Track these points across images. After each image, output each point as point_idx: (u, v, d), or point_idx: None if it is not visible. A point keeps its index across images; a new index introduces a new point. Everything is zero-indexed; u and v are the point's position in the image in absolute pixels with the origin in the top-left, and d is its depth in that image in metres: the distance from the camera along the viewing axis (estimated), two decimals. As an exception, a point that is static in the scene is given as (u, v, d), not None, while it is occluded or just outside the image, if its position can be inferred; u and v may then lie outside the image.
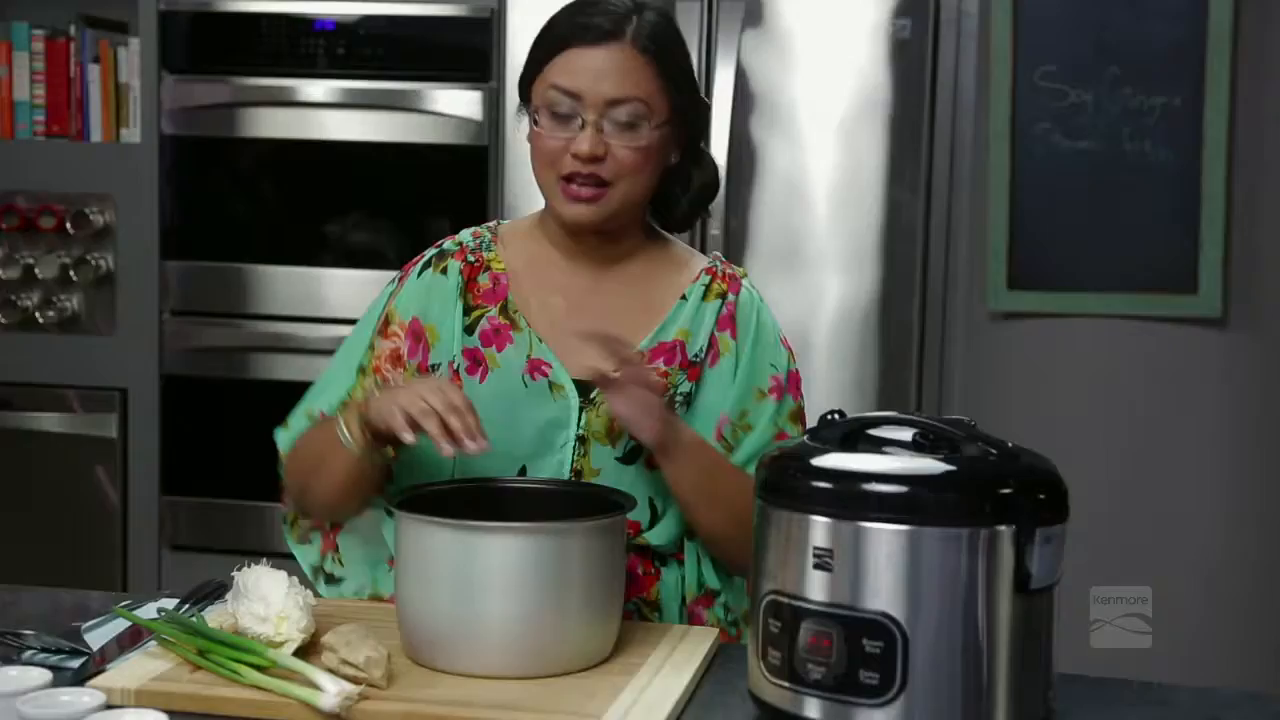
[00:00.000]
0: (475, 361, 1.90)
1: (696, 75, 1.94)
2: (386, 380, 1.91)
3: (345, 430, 1.79)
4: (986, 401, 3.43)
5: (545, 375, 1.88)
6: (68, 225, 4.09)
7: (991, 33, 3.34)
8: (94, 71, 4.15)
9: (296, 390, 2.05)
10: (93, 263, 4.12)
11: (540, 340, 1.90)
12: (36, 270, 4.13)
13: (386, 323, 1.95)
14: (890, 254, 3.74)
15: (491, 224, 2.03)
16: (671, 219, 2.00)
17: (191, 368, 4.13)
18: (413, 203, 4.03)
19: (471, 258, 1.95)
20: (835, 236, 3.75)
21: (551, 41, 1.86)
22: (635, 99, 1.83)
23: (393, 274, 2.04)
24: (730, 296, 1.95)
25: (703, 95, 1.94)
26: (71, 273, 4.12)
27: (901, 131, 3.72)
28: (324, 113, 4.04)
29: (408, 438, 1.70)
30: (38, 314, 4.14)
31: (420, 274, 1.95)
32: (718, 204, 3.69)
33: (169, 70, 4.09)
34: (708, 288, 1.95)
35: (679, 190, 1.96)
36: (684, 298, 1.94)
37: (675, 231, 2.04)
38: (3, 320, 4.14)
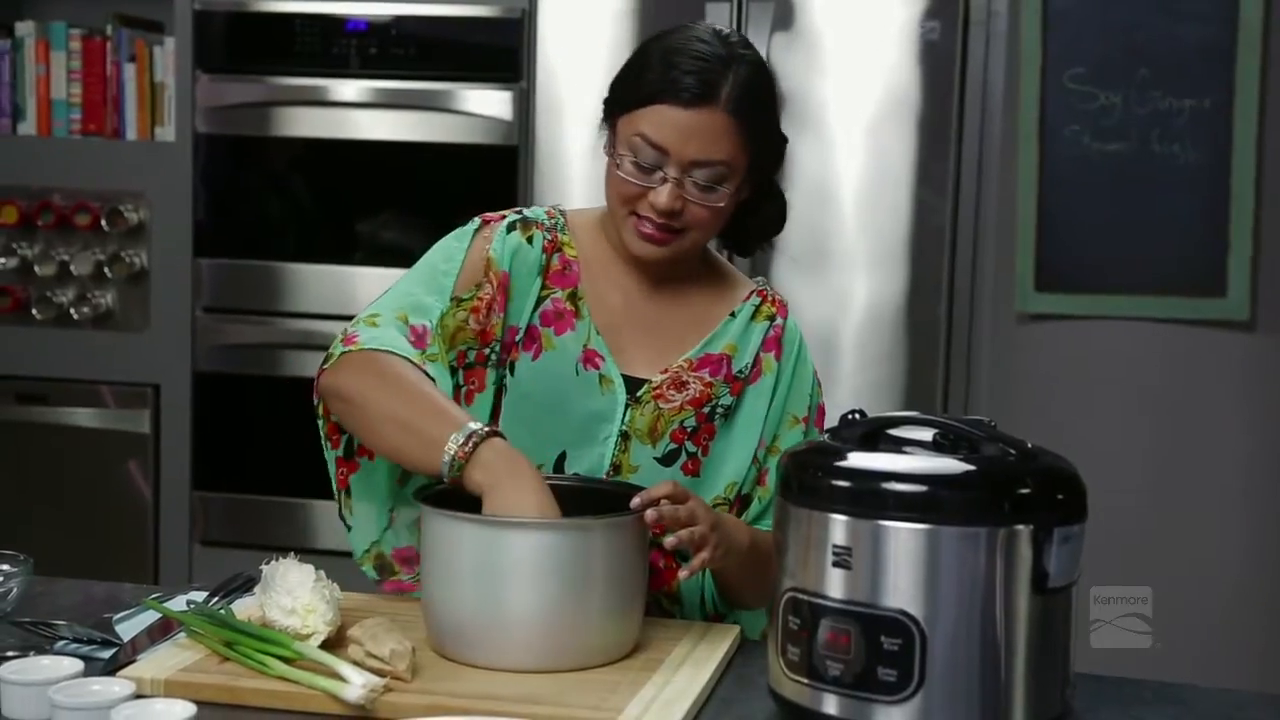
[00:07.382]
0: (531, 339, 1.91)
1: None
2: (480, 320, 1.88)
3: (452, 460, 1.71)
4: (1013, 402, 3.43)
5: (597, 368, 1.91)
6: (103, 222, 4.13)
7: (1021, 35, 3.34)
8: (130, 70, 4.19)
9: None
10: (127, 260, 4.16)
11: (598, 332, 1.92)
12: (71, 267, 4.17)
13: (488, 267, 1.92)
14: (918, 255, 3.74)
15: (558, 206, 2.03)
16: (737, 246, 2.03)
17: (223, 364, 4.17)
18: (443, 202, 4.04)
19: (549, 235, 1.95)
20: (863, 237, 3.76)
21: (644, 88, 1.84)
22: (719, 163, 1.83)
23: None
24: (779, 320, 2.00)
25: (782, 132, 1.94)
26: (106, 269, 4.16)
27: (930, 133, 3.73)
28: (356, 112, 4.07)
29: None
30: (72, 310, 4.18)
31: (509, 232, 1.94)
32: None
33: (203, 70, 4.13)
34: (757, 309, 1.99)
35: (749, 220, 1.98)
36: (733, 314, 1.98)
37: (739, 256, 2.09)
38: (38, 316, 4.19)
